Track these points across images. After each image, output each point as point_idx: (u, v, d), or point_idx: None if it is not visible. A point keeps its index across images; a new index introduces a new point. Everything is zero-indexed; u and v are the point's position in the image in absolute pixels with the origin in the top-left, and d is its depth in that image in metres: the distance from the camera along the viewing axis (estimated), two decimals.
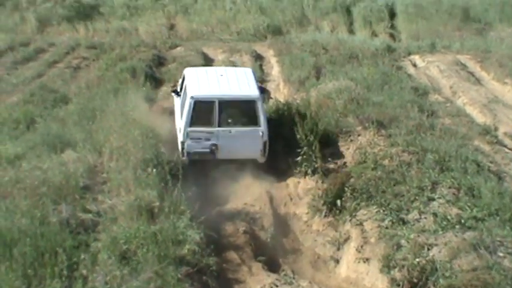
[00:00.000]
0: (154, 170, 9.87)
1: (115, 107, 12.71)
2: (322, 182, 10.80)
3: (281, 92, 15.79)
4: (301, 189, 11.22)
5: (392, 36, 22.97)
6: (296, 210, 10.87)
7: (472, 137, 11.82)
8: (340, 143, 11.87)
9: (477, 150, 11.19)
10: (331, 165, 11.29)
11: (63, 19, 24.29)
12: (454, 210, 9.10)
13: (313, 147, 11.24)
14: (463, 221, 8.83)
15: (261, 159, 11.55)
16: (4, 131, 12.43)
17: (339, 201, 10.17)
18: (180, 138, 11.42)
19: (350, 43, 19.16)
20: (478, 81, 16.44)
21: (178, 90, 12.77)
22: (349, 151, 11.59)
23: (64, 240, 8.28)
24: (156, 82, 16.22)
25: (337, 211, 10.14)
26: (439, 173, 10.04)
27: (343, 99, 13.16)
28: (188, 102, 11.28)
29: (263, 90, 12.64)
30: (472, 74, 16.97)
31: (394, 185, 9.92)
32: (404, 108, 12.82)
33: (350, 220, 9.71)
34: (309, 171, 11.26)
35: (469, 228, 8.69)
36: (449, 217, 8.95)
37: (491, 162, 10.88)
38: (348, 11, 24.68)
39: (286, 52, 18.59)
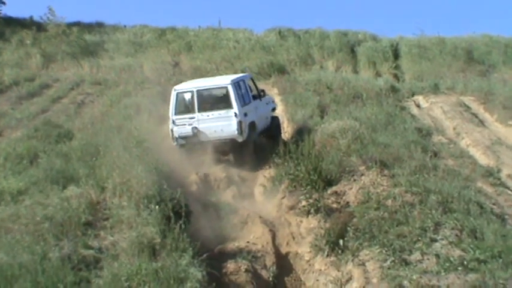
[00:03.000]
0: (157, 206, 10.00)
1: (119, 143, 12.91)
2: (325, 221, 10.88)
3: (285, 131, 16.03)
4: (303, 228, 11.30)
5: (396, 76, 23.43)
6: (298, 249, 10.93)
7: (475, 179, 11.93)
8: (343, 183, 11.98)
9: (480, 191, 11.29)
10: (334, 205, 11.39)
11: (68, 55, 24.80)
12: (457, 252, 9.15)
13: (316, 187, 11.41)
14: (465, 262, 8.87)
15: (239, 139, 13.67)
16: (7, 166, 12.60)
17: (341, 241, 10.22)
18: (169, 126, 13.86)
19: (354, 82, 19.53)
20: (481, 122, 16.66)
21: None
22: (352, 191, 11.70)
23: (65, 276, 8.31)
24: (160, 117, 16.51)
25: (340, 251, 10.18)
26: (442, 214, 10.10)
27: (347, 139, 13.38)
28: (172, 94, 13.84)
29: (263, 91, 15.31)
30: (475, 115, 17.21)
31: (397, 226, 10.00)
32: (407, 148, 12.99)
33: (352, 260, 9.76)
34: (312, 210, 11.36)
35: (472, 270, 8.72)
36: (451, 259, 8.99)
37: (494, 204, 10.97)
38: (353, 51, 25.26)
39: (290, 91, 18.94)
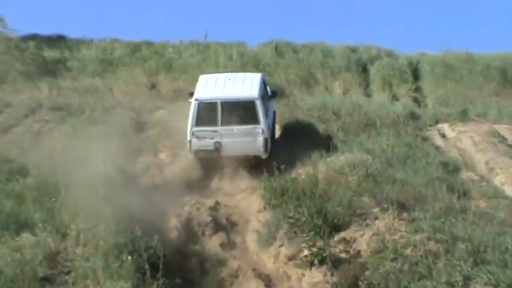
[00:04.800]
0: (129, 257, 10.03)
1: (83, 180, 12.96)
2: (332, 275, 10.91)
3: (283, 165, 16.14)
4: (306, 283, 11.31)
5: (416, 100, 23.67)
6: None
7: None
8: (353, 228, 12.04)
9: None
10: (343, 255, 11.43)
11: (22, 75, 24.90)
12: None
13: (321, 233, 11.48)
14: None
15: (264, 155, 15.34)
16: None
17: None
18: (187, 138, 15.37)
19: (366, 108, 19.73)
20: None
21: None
22: (364, 238, 11.76)
23: None
24: (135, 152, 16.64)
25: None
26: (472, 267, 10.16)
27: (358, 175, 13.51)
28: (193, 104, 15.39)
29: (274, 94, 17.42)
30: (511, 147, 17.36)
31: (418, 280, 10.05)
32: (431, 187, 13.10)
33: None
34: (316, 261, 11.37)
35: None
36: None
37: None
38: (364, 70, 25.50)
39: (290, 118, 19.08)
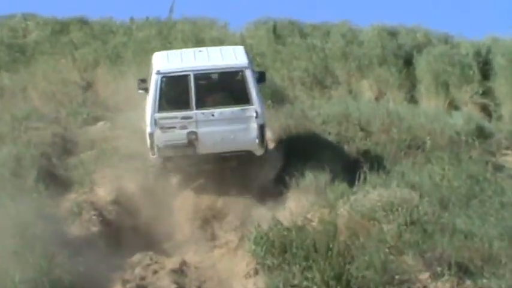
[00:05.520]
0: None
1: None
2: None
3: (285, 208, 16.16)
4: None
5: (486, 109, 23.66)
6: None
7: None
8: None
9: None
10: None
11: None
12: None
13: None
14: None
15: (259, 151, 15.94)
16: None
17: None
18: (147, 130, 15.78)
19: (410, 120, 19.71)
20: None
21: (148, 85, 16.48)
22: None
23: None
24: (59, 185, 16.67)
25: None
26: None
27: (397, 223, 13.55)
28: (154, 79, 15.85)
29: (262, 76, 17.35)
30: None
31: None
32: (508, 240, 13.12)
33: None
34: None
35: None
36: None
37: None
38: (408, 63, 25.49)
39: (294, 133, 19.07)
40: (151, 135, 15.74)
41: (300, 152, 17.84)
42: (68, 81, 24.39)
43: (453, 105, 23.64)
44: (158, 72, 15.94)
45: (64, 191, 16.57)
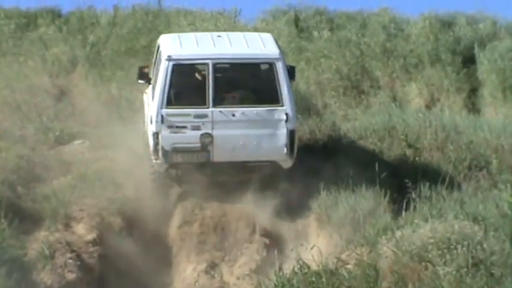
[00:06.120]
0: None
1: None
2: None
3: (312, 245, 16.20)
4: None
5: None
6: None
7: None
8: None
9: None
10: None
11: None
12: None
13: None
14: None
15: (287, 162, 16.36)
16: None
17: None
18: (151, 128, 15.98)
19: (470, 134, 19.73)
20: None
21: (151, 74, 17.09)
22: None
23: None
24: (26, 220, 16.70)
25: None
26: None
27: (456, 264, 13.56)
28: (164, 66, 16.07)
29: (292, 72, 17.33)
30: None
31: None
32: None
33: None
34: None
35: None
36: None
37: None
38: (468, 61, 25.49)
39: (322, 151, 19.08)
40: (155, 135, 15.97)
41: (331, 175, 17.89)
42: (36, 89, 24.49)
43: None
44: (169, 58, 16.11)
45: (32, 228, 16.59)
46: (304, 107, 22.83)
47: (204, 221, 16.34)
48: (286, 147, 16.02)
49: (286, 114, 15.94)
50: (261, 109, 16.04)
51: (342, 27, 27.37)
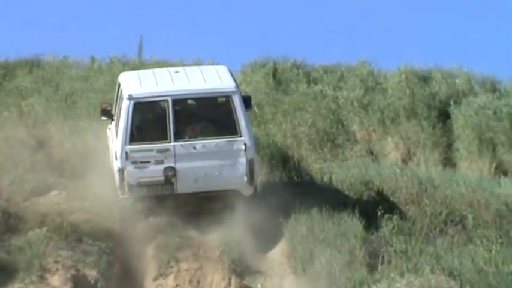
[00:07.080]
0: None
1: None
2: None
3: None
4: None
5: None
6: None
7: None
8: None
9: None
10: None
11: None
12: None
13: None
14: None
15: (247, 190, 16.39)
16: None
17: None
18: (116, 165, 16.08)
19: (446, 189, 19.79)
20: None
21: (113, 111, 17.52)
22: None
23: None
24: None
25: None
26: None
27: None
28: (125, 105, 16.21)
29: (248, 101, 17.89)
30: None
31: None
32: None
33: None
34: None
35: None
36: None
37: None
38: (444, 116, 25.54)
39: (299, 204, 19.08)
40: (121, 170, 16.43)
41: (305, 229, 17.88)
42: (12, 140, 24.41)
43: (501, 170, 23.68)
44: (130, 97, 16.62)
45: (6, 280, 16.56)
46: (280, 158, 22.88)
47: (180, 274, 16.35)
48: (247, 175, 16.57)
49: (245, 144, 16.57)
50: (221, 140, 16.66)
51: (319, 80, 27.44)
